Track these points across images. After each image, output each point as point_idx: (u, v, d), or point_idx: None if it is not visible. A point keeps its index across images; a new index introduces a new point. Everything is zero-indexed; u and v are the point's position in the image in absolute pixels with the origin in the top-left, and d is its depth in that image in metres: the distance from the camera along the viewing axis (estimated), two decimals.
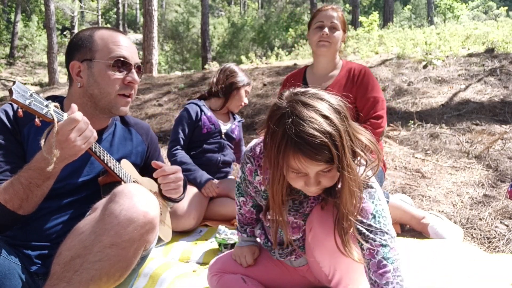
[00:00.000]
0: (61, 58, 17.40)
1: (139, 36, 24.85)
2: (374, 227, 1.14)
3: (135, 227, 1.11)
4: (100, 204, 1.19)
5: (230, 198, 2.45)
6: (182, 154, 2.48)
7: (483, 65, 5.80)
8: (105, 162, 1.32)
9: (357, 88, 2.21)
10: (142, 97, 6.97)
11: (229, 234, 1.99)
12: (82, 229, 1.13)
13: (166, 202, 1.70)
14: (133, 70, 1.40)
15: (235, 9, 30.70)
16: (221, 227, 2.04)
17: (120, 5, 24.44)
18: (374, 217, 1.15)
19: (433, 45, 7.90)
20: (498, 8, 30.60)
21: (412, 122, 4.25)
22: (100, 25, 25.03)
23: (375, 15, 14.16)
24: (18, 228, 1.30)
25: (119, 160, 1.45)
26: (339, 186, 1.13)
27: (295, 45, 15.80)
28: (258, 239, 1.51)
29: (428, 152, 3.44)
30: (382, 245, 1.13)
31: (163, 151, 4.26)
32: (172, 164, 2.50)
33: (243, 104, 2.64)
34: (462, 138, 3.69)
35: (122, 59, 1.37)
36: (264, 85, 6.55)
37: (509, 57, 5.91)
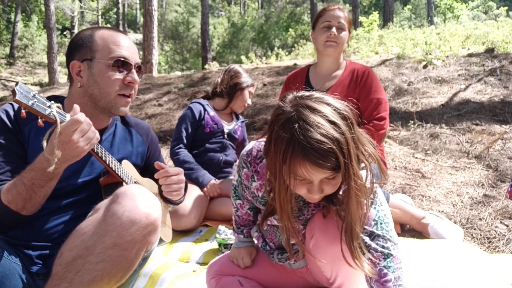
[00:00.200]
0: (61, 58, 17.40)
1: (139, 36, 24.86)
2: (377, 234, 1.12)
3: (138, 228, 1.11)
4: (102, 205, 1.19)
5: (230, 198, 2.45)
6: (184, 153, 2.50)
7: (483, 65, 5.80)
8: (107, 163, 1.33)
9: (361, 89, 2.21)
10: (142, 97, 6.97)
11: (229, 234, 1.99)
12: (84, 230, 1.13)
13: (166, 203, 1.71)
14: (133, 70, 1.40)
15: (235, 9, 30.71)
16: (221, 227, 2.04)
17: (120, 5, 24.42)
18: (377, 223, 1.13)
19: (433, 45, 7.90)
20: (498, 8, 30.61)
21: (412, 122, 4.25)
22: (100, 25, 25.01)
23: (375, 15, 14.16)
24: (19, 228, 1.30)
25: (119, 161, 1.45)
26: (341, 192, 1.11)
27: (295, 45, 15.80)
28: (255, 241, 1.48)
29: (428, 152, 3.44)
30: (384, 254, 1.11)
31: (163, 151, 4.27)
32: (174, 162, 2.52)
33: (246, 104, 2.67)
34: (462, 138, 3.69)
35: (122, 59, 1.37)
36: (264, 85, 6.55)
37: (509, 57, 5.91)
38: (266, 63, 10.42)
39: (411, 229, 2.19)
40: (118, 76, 1.37)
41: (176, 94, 6.83)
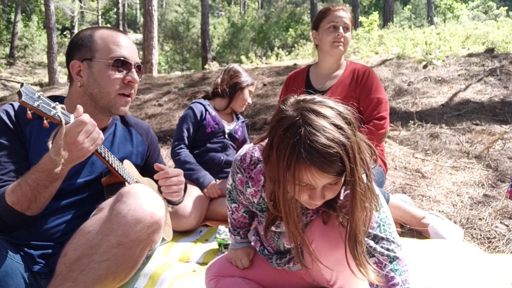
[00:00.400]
0: (61, 58, 17.40)
1: (139, 36, 24.86)
2: (381, 237, 1.11)
3: (142, 227, 1.11)
4: (107, 204, 1.19)
5: None
6: (186, 153, 2.50)
7: (483, 65, 5.80)
8: (110, 163, 1.33)
9: (361, 89, 2.21)
10: (142, 97, 6.97)
11: (229, 234, 1.99)
12: (89, 229, 1.14)
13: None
14: (133, 70, 1.41)
15: (235, 9, 30.73)
16: (221, 227, 2.04)
17: (120, 5, 24.43)
18: (379, 225, 1.12)
19: (433, 45, 7.90)
20: (498, 8, 30.61)
21: (412, 122, 4.25)
22: (100, 25, 25.02)
23: (375, 15, 14.16)
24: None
25: (120, 161, 1.46)
26: (341, 198, 1.10)
27: (295, 45, 15.80)
28: (252, 243, 1.46)
29: (428, 152, 3.44)
30: (390, 257, 1.10)
31: (163, 151, 4.27)
32: (175, 162, 2.53)
33: (247, 103, 2.68)
34: (462, 138, 3.69)
35: (122, 58, 1.37)
36: (264, 85, 6.55)
37: (509, 57, 5.91)
38: (266, 63, 10.43)
39: (411, 229, 2.19)
40: (118, 75, 1.38)
41: (176, 94, 6.82)
